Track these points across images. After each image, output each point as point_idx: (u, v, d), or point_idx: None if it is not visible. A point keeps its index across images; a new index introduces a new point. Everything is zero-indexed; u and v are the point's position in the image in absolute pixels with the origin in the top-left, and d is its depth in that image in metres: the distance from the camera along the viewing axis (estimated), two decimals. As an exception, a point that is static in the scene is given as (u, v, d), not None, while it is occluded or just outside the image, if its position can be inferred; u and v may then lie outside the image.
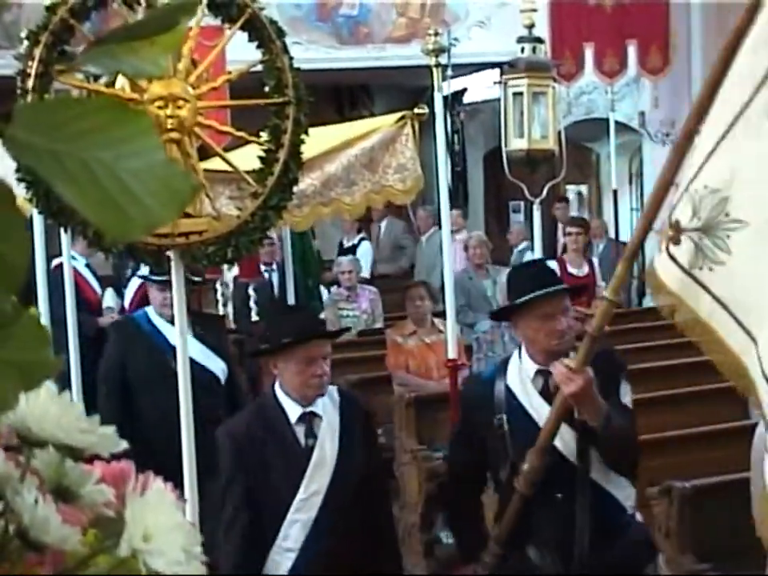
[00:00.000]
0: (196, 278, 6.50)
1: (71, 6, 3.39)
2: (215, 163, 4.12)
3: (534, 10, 5.98)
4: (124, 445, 1.04)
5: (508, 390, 4.11)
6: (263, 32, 3.58)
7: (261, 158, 3.67)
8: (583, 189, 16.43)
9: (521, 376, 4.10)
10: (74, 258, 8.06)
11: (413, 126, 6.03)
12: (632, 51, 11.30)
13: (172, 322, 5.26)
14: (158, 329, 5.89)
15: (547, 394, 4.01)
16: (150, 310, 6.03)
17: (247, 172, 3.73)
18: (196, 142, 3.51)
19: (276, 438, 4.06)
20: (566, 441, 3.92)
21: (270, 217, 3.66)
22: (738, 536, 3.76)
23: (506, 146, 5.80)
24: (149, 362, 5.76)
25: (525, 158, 5.74)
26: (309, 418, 4.08)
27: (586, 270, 9.64)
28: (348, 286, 9.75)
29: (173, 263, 3.52)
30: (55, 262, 7.71)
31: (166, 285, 5.42)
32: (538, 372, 4.07)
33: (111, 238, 0.70)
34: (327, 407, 4.13)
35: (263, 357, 4.37)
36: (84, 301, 8.40)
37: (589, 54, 11.20)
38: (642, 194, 13.65)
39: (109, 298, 9.37)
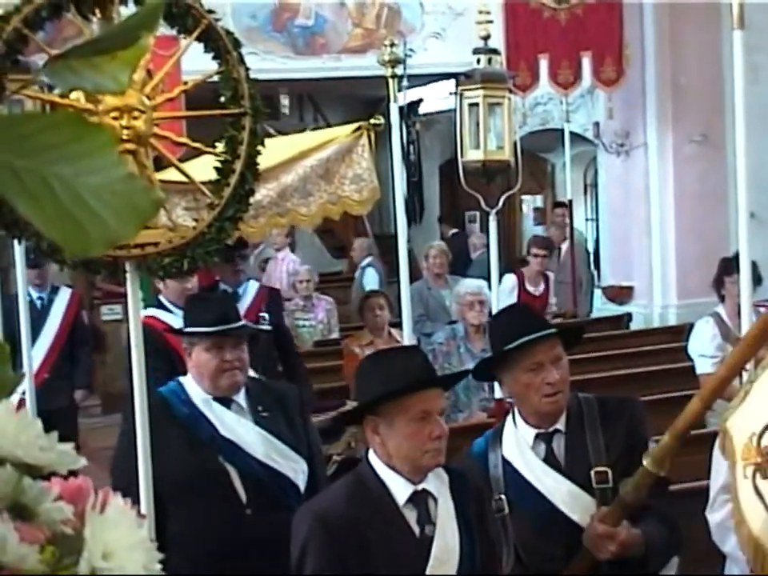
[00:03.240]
0: (265, 327, 5.42)
1: (25, 16, 3.36)
2: (171, 174, 4.10)
3: (490, 22, 6.00)
4: (83, 462, 1.03)
5: (506, 462, 3.53)
6: (219, 43, 3.57)
7: (217, 168, 3.66)
8: (539, 199, 16.54)
9: (518, 444, 3.54)
10: (165, 308, 6.07)
11: (369, 137, 6.04)
12: (586, 63, 11.38)
13: (226, 403, 4.11)
14: (202, 412, 4.07)
15: (553, 460, 3.51)
16: (187, 384, 4.15)
17: (203, 183, 3.72)
18: (152, 153, 3.49)
19: (381, 526, 3.10)
20: (584, 509, 3.42)
21: (227, 228, 3.64)
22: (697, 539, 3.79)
23: (461, 156, 5.81)
24: (186, 462, 3.96)
25: (480, 169, 5.74)
26: (422, 500, 3.18)
27: (542, 288, 9.78)
28: (305, 295, 9.77)
29: (128, 275, 3.50)
30: (145, 313, 5.24)
31: (223, 340, 4.09)
32: (537, 437, 3.54)
33: (71, 254, 0.69)
34: (438, 486, 3.22)
35: (358, 419, 3.26)
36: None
37: (544, 65, 11.27)
38: (596, 204, 13.74)
39: None
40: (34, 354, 6.74)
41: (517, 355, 3.46)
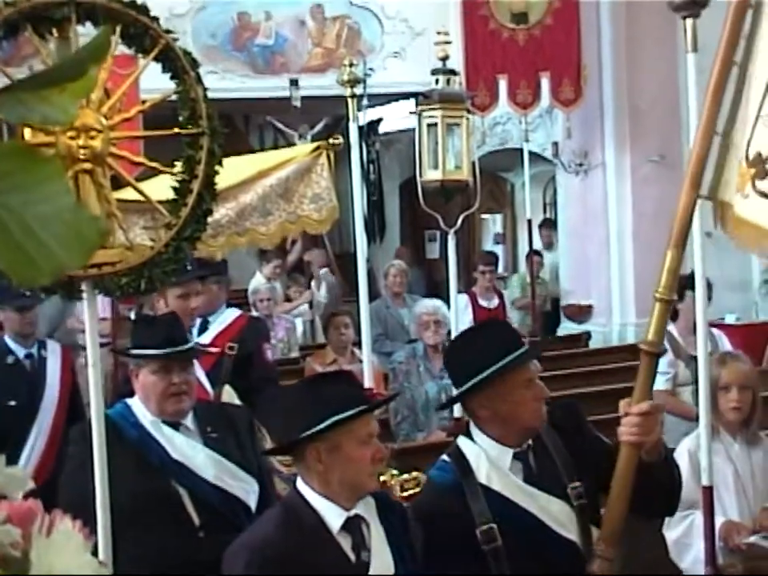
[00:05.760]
0: (213, 350, 5.18)
1: (-19, 35, 3.35)
2: (129, 193, 4.08)
3: (448, 42, 6.05)
4: (31, 485, 1.02)
5: (487, 490, 3.29)
6: (177, 63, 3.56)
7: (174, 188, 3.65)
8: (498, 218, 16.63)
9: (495, 468, 3.32)
10: None
11: (328, 156, 6.06)
12: (545, 83, 11.48)
13: (174, 425, 4.05)
14: (151, 435, 4.01)
15: (532, 479, 3.34)
16: (134, 405, 4.08)
17: (161, 202, 3.71)
18: (109, 172, 3.48)
19: (318, 556, 3.04)
20: (571, 524, 3.30)
21: (184, 248, 3.62)
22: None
23: (420, 176, 5.85)
24: (137, 486, 3.84)
25: (439, 189, 5.79)
26: (356, 526, 3.13)
27: (496, 302, 9.87)
28: (265, 314, 9.72)
29: (85, 295, 3.48)
30: None
31: (170, 363, 4.04)
32: (515, 456, 3.36)
33: (18, 283, 0.69)
34: (368, 511, 3.18)
35: (298, 449, 3.15)
36: None
37: (503, 85, 11.35)
38: (556, 224, 13.81)
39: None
40: (34, 441, 5.76)
41: (509, 373, 3.32)
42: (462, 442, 3.42)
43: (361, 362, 7.06)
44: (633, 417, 3.26)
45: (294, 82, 11.41)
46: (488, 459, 3.33)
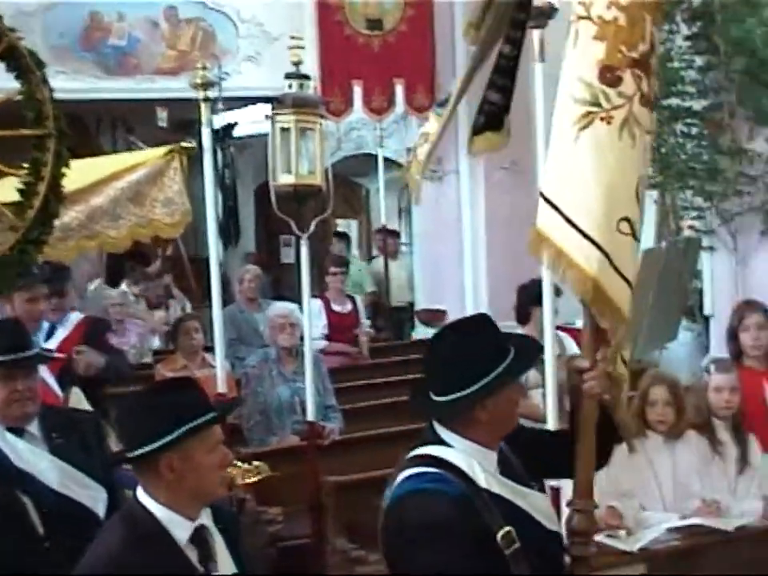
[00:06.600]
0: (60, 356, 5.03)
1: None
2: (-27, 195, 3.99)
3: (301, 47, 6.05)
4: None
5: (493, 495, 3.07)
6: (22, 62, 3.50)
7: (20, 190, 3.58)
8: (353, 224, 16.70)
9: (488, 471, 3.11)
10: None
11: (180, 160, 6.00)
12: (399, 90, 11.55)
13: (17, 432, 3.93)
14: None
15: (514, 477, 3.18)
16: None
17: (5, 204, 3.63)
18: (-49, 174, 3.40)
19: (167, 570, 2.96)
20: (548, 514, 3.22)
21: (30, 250, 3.56)
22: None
23: (273, 180, 5.83)
24: None
25: (292, 193, 5.79)
26: (201, 536, 3.06)
27: (349, 307, 9.88)
28: (117, 318, 9.59)
29: (-74, 299, 3.38)
30: None
31: (15, 369, 3.91)
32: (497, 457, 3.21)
33: None
34: (207, 519, 3.13)
35: (147, 459, 3.02)
36: None
37: (357, 91, 11.39)
38: (410, 229, 13.92)
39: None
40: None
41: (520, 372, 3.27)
42: (440, 450, 3.14)
43: (212, 367, 7.01)
44: (599, 369, 3.21)
45: (161, 103, 11.33)
46: (478, 464, 3.10)
